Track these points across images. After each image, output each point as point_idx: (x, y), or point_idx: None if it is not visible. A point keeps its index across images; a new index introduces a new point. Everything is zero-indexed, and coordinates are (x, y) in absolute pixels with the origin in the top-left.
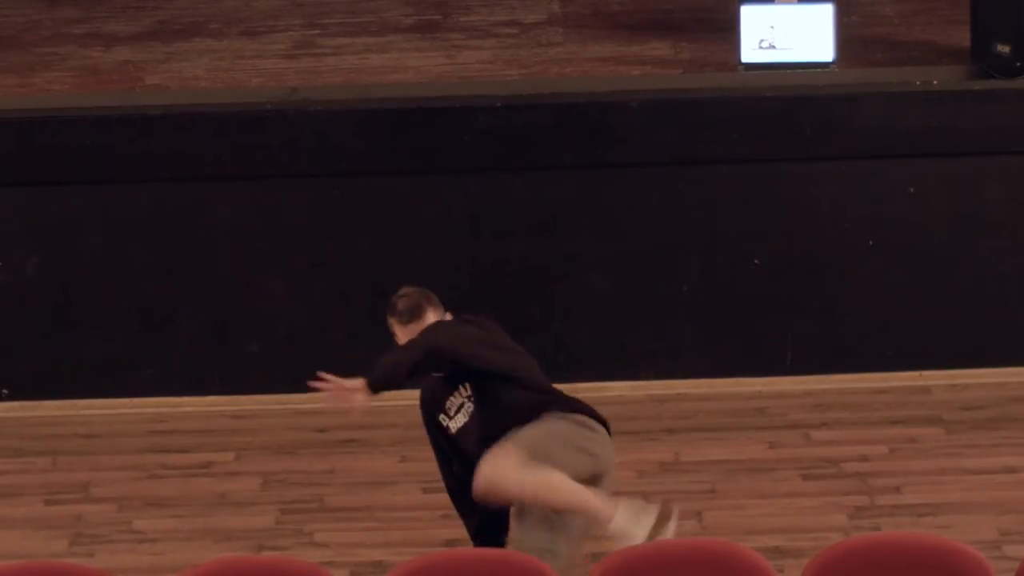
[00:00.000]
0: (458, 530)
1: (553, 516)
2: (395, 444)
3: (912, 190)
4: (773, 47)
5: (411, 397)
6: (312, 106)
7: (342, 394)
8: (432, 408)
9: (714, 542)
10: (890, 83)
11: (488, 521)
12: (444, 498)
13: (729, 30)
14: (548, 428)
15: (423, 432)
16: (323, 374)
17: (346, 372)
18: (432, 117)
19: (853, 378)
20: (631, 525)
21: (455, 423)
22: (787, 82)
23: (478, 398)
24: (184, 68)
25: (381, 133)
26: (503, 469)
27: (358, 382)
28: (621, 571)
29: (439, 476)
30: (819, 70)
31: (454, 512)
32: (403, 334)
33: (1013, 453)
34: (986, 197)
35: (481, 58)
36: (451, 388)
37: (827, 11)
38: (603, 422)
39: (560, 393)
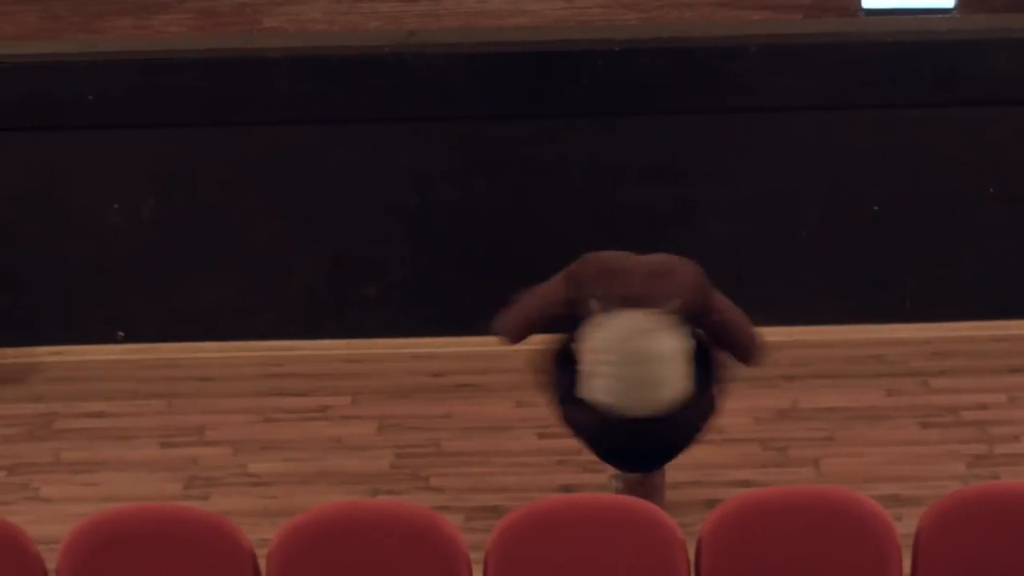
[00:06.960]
0: (574, 475)
1: None
2: (511, 389)
3: None
4: None
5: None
6: (429, 49)
7: None
8: None
9: (831, 490)
10: (1012, 28)
11: None
12: (560, 443)
13: None
14: None
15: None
16: None
17: (460, 315)
18: (550, 61)
19: (971, 326)
20: None
21: None
22: (908, 27)
23: None
24: (302, 11)
25: (498, 77)
26: None
27: None
28: (736, 517)
29: (555, 422)
30: (940, 15)
31: (569, 458)
32: None
33: None
34: None
35: (600, 2)
36: None
37: None
38: None
39: None
